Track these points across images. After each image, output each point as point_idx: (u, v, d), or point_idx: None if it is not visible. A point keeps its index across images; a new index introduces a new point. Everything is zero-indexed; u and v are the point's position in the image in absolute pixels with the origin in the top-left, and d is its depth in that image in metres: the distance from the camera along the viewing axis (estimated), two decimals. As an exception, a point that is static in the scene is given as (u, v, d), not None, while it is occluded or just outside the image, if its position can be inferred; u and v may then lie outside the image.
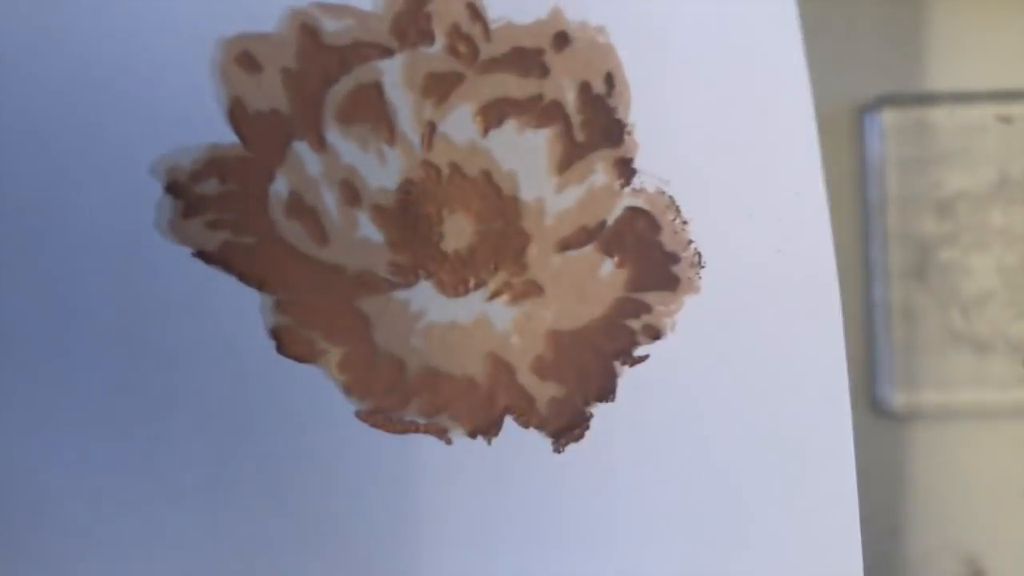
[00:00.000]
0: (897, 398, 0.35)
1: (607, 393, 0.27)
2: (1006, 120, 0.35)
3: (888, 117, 0.36)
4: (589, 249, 0.27)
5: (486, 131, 0.29)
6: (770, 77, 0.27)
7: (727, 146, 0.28)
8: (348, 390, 0.28)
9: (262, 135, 0.28)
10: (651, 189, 0.28)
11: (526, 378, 0.27)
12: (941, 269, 0.35)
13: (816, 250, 0.28)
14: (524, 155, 0.29)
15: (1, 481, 0.26)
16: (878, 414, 0.35)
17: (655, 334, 0.27)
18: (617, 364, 0.27)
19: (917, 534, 0.35)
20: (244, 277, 0.28)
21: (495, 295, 0.28)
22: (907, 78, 0.36)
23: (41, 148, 0.26)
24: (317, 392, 0.28)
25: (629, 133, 0.28)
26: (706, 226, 0.28)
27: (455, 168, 0.29)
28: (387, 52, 0.29)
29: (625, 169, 0.28)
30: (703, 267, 0.27)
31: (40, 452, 0.26)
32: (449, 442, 0.28)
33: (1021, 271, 0.35)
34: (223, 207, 0.27)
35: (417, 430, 0.28)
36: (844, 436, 0.27)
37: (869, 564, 0.35)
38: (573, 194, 0.28)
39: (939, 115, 0.35)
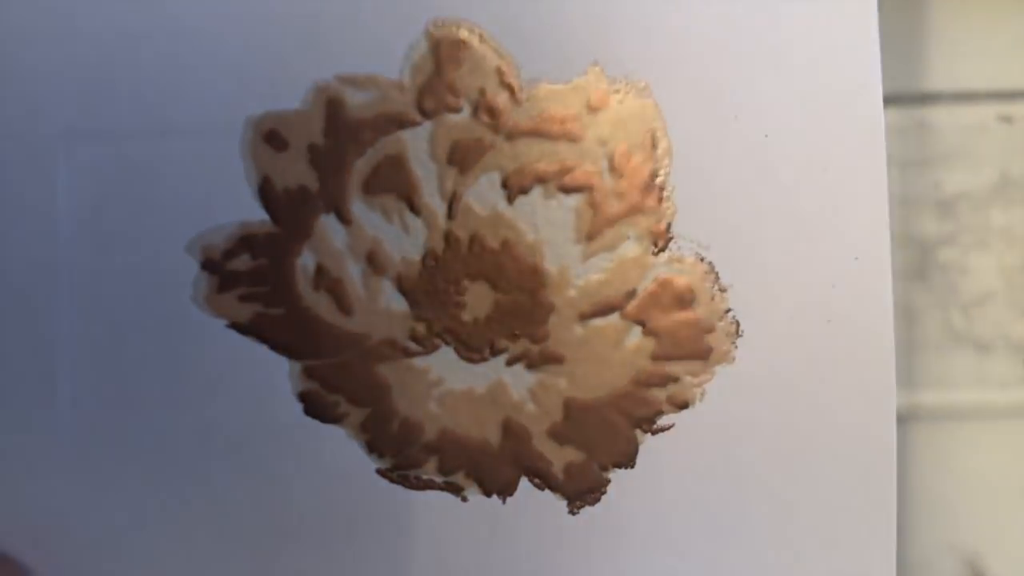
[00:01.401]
0: (897, 398, 0.35)
1: (627, 460, 0.28)
2: (1007, 120, 0.33)
3: (888, 117, 0.34)
4: (615, 318, 0.28)
5: (512, 200, 0.29)
6: (845, 135, 0.27)
7: (778, 208, 0.27)
8: (369, 448, 0.30)
9: (290, 211, 0.29)
10: (688, 255, 0.28)
11: (542, 443, 0.28)
12: (941, 269, 0.35)
13: (873, 323, 0.28)
14: (551, 224, 0.29)
15: (60, 532, 0.29)
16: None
17: (682, 404, 0.27)
18: (639, 432, 0.28)
19: (917, 534, 0.36)
20: (274, 346, 0.29)
21: (513, 362, 0.29)
22: (907, 78, 0.35)
23: (86, 229, 0.28)
24: (341, 451, 0.30)
25: (668, 197, 0.28)
26: (748, 294, 0.28)
27: (477, 238, 0.29)
28: (412, 122, 0.29)
29: (660, 235, 0.28)
30: (740, 336, 0.28)
31: (94, 504, 0.30)
32: (464, 500, 0.30)
33: (1022, 271, 0.35)
34: (254, 281, 0.29)
35: (434, 487, 0.30)
36: (890, 533, 0.27)
37: None
38: (601, 262, 0.29)
39: (939, 115, 0.34)
